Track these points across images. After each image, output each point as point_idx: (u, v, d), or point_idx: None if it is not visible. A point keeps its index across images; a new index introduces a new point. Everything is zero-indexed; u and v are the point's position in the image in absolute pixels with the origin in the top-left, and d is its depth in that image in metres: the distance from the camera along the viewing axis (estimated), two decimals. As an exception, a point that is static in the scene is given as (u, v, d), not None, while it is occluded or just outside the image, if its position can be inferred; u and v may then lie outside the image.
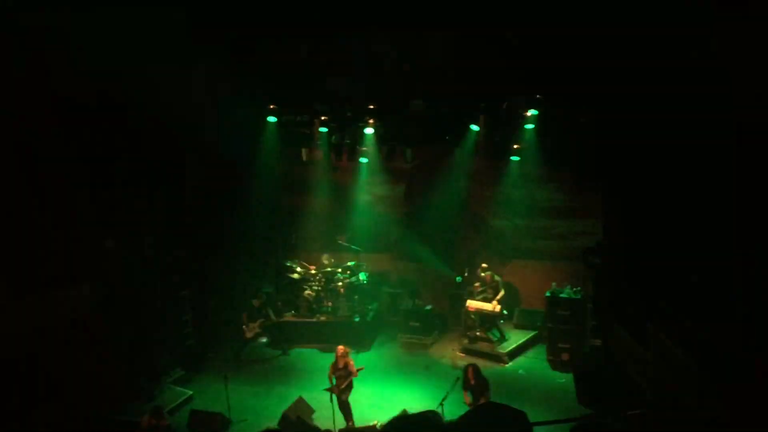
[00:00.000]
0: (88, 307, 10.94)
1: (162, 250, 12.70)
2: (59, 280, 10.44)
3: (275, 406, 11.38)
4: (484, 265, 14.05)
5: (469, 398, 10.17)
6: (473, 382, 10.23)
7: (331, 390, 10.42)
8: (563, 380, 12.21)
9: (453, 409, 8.85)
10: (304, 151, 14.96)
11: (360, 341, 14.15)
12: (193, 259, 13.83)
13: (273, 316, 14.06)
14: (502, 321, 13.84)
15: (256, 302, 13.86)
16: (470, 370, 10.37)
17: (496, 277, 13.93)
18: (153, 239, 12.49)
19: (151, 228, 12.50)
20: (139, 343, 12.01)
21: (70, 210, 10.57)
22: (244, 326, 13.63)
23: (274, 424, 10.34)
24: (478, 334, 13.79)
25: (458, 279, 14.79)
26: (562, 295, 13.10)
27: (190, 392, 12.17)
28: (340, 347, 10.79)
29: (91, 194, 10.98)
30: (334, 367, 10.64)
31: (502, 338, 13.72)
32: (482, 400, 9.85)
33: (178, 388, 12.30)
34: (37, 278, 10.00)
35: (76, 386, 10.47)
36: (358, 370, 10.68)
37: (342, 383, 10.54)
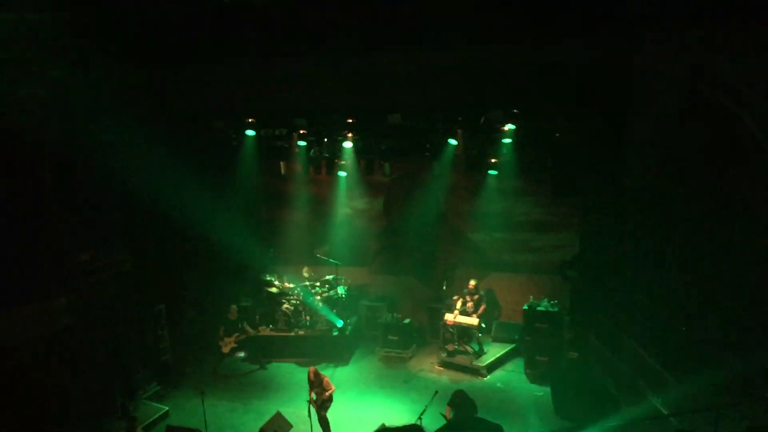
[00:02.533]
0: (62, 322, 10.78)
1: (137, 264, 12.57)
2: (34, 294, 10.29)
3: (253, 421, 11.29)
4: (472, 282, 14.09)
5: (450, 414, 10.15)
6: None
7: (310, 402, 10.38)
8: (541, 393, 12.26)
9: (431, 424, 8.85)
10: (282, 165, 14.98)
11: (338, 355, 14.12)
12: (169, 273, 13.71)
13: (249, 329, 13.96)
14: (480, 334, 13.88)
15: (231, 315, 13.76)
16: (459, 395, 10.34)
17: (480, 292, 13.98)
18: (128, 253, 12.37)
19: (127, 242, 12.38)
20: (115, 358, 11.87)
21: (44, 224, 10.44)
22: (220, 341, 13.52)
23: (251, 439, 10.29)
24: (456, 347, 13.85)
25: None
26: (539, 308, 13.16)
27: (166, 408, 12.02)
28: (311, 370, 10.77)
29: (66, 208, 10.86)
30: (311, 385, 10.61)
31: (481, 351, 13.75)
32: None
33: (154, 404, 12.15)
34: (11, 293, 9.85)
35: (50, 402, 10.31)
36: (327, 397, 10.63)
37: (320, 399, 10.49)
